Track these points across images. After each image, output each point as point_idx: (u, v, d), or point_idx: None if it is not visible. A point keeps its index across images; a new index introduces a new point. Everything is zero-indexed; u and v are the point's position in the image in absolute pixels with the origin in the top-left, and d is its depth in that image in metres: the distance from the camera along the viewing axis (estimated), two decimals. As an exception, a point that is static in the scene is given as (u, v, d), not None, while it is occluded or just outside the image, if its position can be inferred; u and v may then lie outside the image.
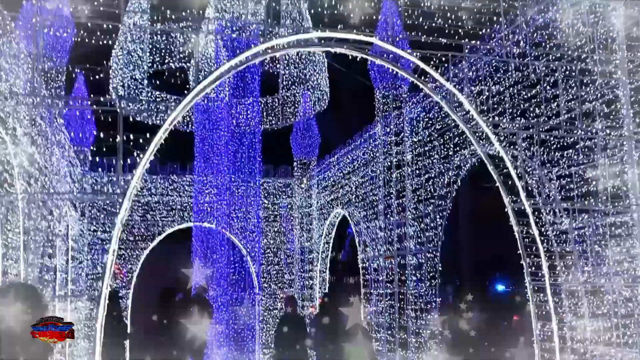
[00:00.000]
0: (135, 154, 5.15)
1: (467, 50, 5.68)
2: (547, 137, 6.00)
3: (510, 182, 5.85)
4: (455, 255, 18.04)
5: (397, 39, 5.19)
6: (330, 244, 15.51)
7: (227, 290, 10.04)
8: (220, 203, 12.24)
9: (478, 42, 5.87)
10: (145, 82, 11.15)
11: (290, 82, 11.27)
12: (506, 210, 5.64)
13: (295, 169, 16.92)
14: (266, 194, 16.99)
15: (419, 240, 10.07)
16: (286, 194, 17.16)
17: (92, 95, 16.10)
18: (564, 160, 5.89)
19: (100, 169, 15.22)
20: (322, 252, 15.62)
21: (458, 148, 8.86)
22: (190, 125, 12.15)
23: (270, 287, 16.88)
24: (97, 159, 14.94)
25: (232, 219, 13.52)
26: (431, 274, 9.57)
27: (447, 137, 9.21)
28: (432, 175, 9.74)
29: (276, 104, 11.92)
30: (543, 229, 5.59)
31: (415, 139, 10.51)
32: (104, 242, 15.63)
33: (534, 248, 5.49)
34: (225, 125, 11.65)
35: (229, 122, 11.68)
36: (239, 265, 11.06)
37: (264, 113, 12.06)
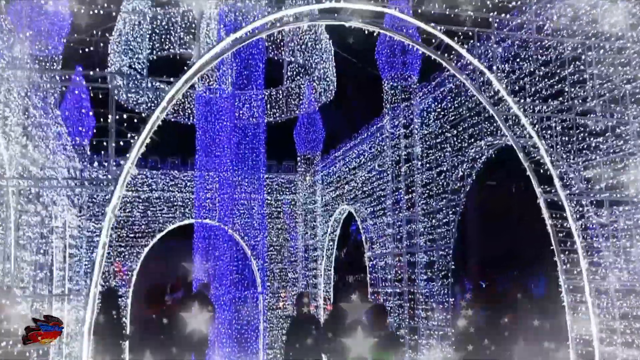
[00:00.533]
0: (129, 135, 4.72)
1: (495, 25, 5.20)
2: (578, 122, 5.54)
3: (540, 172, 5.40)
4: (463, 253, 17.59)
5: (420, 10, 4.74)
6: (336, 242, 15.08)
7: (229, 289, 9.60)
8: (222, 199, 11.79)
9: (507, 16, 5.40)
10: (145, 72, 10.71)
11: (295, 73, 10.82)
12: (538, 202, 5.19)
13: (299, 164, 16.51)
14: (269, 190, 16.56)
15: (430, 237, 9.63)
16: (290, 190, 16.74)
17: (90, 90, 15.75)
18: (596, 148, 5.43)
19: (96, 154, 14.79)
20: (326, 249, 15.19)
21: (473, 139, 8.41)
22: (191, 118, 11.72)
23: (274, 285, 16.47)
24: (98, 144, 14.54)
25: (235, 215, 13.09)
26: (443, 273, 9.13)
27: (461, 128, 8.76)
28: (444, 168, 9.29)
29: (280, 96, 11.47)
30: (575, 224, 5.13)
31: (425, 131, 10.07)
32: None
33: (568, 243, 5.03)
34: (228, 117, 11.21)
35: (232, 115, 11.23)
36: (242, 263, 10.61)
37: (268, 105, 11.61)
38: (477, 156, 8.37)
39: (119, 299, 14.84)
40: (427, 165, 9.90)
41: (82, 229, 14.81)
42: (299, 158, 16.53)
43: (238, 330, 10.09)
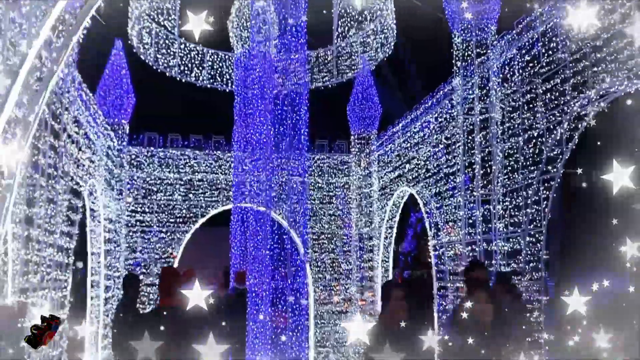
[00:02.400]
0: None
1: None
2: None
3: None
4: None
5: None
6: (394, 230, 13.32)
7: (267, 282, 8.09)
8: (262, 179, 10.27)
9: None
10: (177, 31, 9.32)
11: (346, 27, 9.14)
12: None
13: (353, 144, 14.88)
14: (320, 172, 15.02)
15: (513, 220, 7.75)
16: (342, 172, 15.11)
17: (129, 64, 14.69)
18: None
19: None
20: (384, 238, 13.47)
21: (577, 92, 6.47)
22: (230, 84, 10.25)
23: (325, 278, 14.92)
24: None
25: (278, 198, 11.57)
26: (532, 264, 7.23)
27: (559, 79, 6.83)
28: (535, 134, 7.38)
29: (329, 57, 9.80)
30: None
31: (507, 91, 8.17)
32: (144, 224, 14.15)
33: None
34: (268, 84, 9.66)
35: (272, 81, 9.67)
36: (283, 251, 9.07)
37: (315, 69, 9.98)
38: (583, 112, 6.44)
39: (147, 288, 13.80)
40: (510, 131, 8.00)
41: (120, 212, 13.79)
42: (352, 137, 14.92)
43: (281, 327, 8.55)
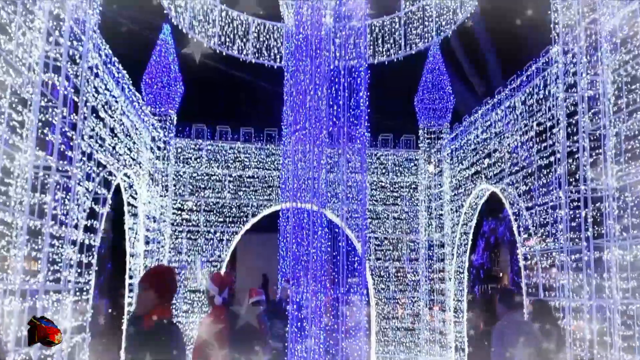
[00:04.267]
0: None
1: None
2: None
3: None
4: None
5: None
6: (470, 236, 11.46)
7: (313, 292, 6.56)
8: (315, 174, 8.72)
9: None
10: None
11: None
12: None
13: (421, 138, 13.21)
14: (384, 171, 13.43)
15: (636, 220, 5.86)
16: (409, 171, 13.43)
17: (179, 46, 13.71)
18: None
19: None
20: (457, 245, 11.64)
21: None
22: (279, 60, 8.86)
23: (389, 289, 13.24)
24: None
25: (333, 197, 10.01)
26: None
27: None
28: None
29: (395, 26, 8.21)
30: None
31: (624, 58, 6.29)
32: (190, 224, 13.01)
33: None
34: (324, 61, 8.14)
35: (328, 56, 8.16)
36: (334, 255, 7.51)
37: (379, 40, 8.41)
38: None
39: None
40: (629, 107, 6.12)
41: (164, 210, 12.75)
42: (421, 131, 13.24)
43: (326, 347, 6.97)
